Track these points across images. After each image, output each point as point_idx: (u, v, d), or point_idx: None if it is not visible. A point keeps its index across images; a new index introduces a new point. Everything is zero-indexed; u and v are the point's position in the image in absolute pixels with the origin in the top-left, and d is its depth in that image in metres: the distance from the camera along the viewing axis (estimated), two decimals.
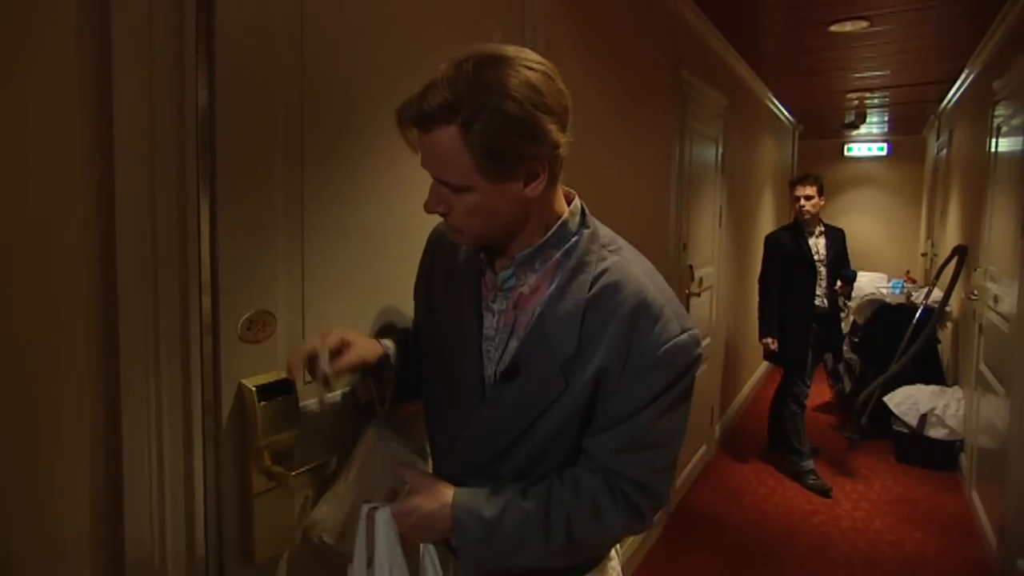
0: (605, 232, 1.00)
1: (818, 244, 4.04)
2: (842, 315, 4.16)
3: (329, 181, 1.16)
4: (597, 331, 0.91)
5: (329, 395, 1.14)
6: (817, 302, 3.99)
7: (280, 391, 1.03)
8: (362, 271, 1.25)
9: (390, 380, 1.10)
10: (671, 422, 0.95)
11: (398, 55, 1.29)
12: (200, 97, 0.92)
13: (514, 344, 0.96)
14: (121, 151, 0.85)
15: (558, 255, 0.96)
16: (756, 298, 4.19)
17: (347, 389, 1.20)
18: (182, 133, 0.91)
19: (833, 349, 4.18)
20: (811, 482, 3.85)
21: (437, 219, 1.02)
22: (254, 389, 1.00)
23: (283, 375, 1.05)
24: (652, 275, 0.97)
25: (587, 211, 1.00)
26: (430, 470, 1.10)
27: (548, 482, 0.96)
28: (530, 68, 0.84)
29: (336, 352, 1.00)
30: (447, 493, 0.94)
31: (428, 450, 1.13)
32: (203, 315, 0.95)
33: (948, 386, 4.34)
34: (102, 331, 0.86)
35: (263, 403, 1.00)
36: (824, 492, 3.78)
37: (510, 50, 0.85)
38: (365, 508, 0.95)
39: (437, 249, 1.11)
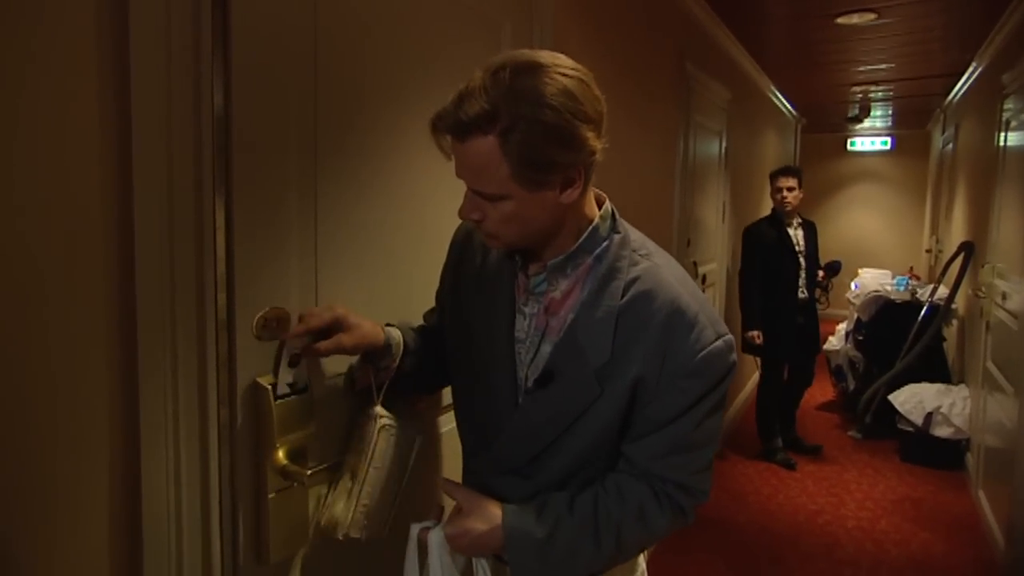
0: (636, 236, 1.02)
1: (797, 235, 4.13)
2: (818, 307, 4.30)
3: (342, 178, 1.17)
4: (631, 339, 0.94)
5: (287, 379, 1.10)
6: (800, 293, 4.08)
7: (294, 389, 1.04)
8: (376, 268, 1.26)
9: (388, 369, 1.11)
10: (710, 426, 0.98)
11: (408, 51, 1.30)
12: (216, 97, 0.93)
13: (546, 349, 0.98)
14: (139, 151, 0.86)
15: (589, 260, 0.98)
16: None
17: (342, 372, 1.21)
18: (199, 132, 0.92)
19: (814, 340, 4.27)
20: (779, 458, 4.20)
21: (449, 215, 1.03)
22: (269, 387, 1.01)
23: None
24: (684, 281, 0.99)
25: (617, 214, 1.02)
26: (444, 449, 1.14)
27: (593, 492, 0.99)
28: (566, 75, 0.85)
29: (324, 333, 1.02)
30: (496, 513, 0.97)
31: (429, 430, 1.17)
32: (219, 312, 0.97)
33: (954, 384, 4.38)
34: (120, 328, 0.87)
35: (279, 401, 1.02)
36: (790, 466, 4.12)
37: (545, 56, 0.86)
38: (415, 529, 0.99)
39: (465, 249, 1.13)
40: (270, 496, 1.05)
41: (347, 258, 1.19)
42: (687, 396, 0.94)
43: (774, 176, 4.14)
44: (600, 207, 1.00)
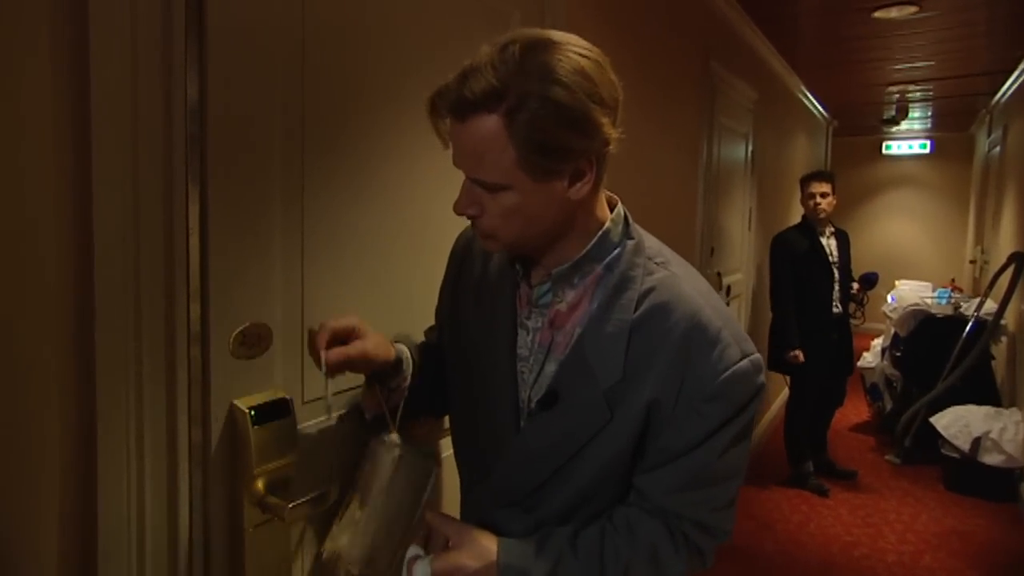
0: (651, 243, 0.96)
1: (830, 245, 4.04)
2: (853, 322, 4.20)
3: (333, 180, 1.12)
4: (645, 358, 0.88)
5: (334, 412, 1.10)
6: (834, 308, 4.00)
7: (277, 413, 1.00)
8: (370, 281, 1.21)
9: (400, 389, 1.05)
10: (733, 458, 0.91)
11: (409, 46, 1.26)
12: (190, 88, 0.89)
13: (551, 367, 0.93)
14: (100, 145, 0.82)
15: (599, 268, 0.92)
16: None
17: (344, 411, 1.16)
18: (169, 126, 0.88)
19: (848, 357, 4.17)
20: (810, 483, 4.09)
21: (452, 221, 0.98)
22: (247, 411, 0.96)
23: (280, 395, 1.02)
24: (707, 294, 0.92)
25: (631, 219, 0.96)
26: (444, 479, 1.09)
27: (599, 528, 0.92)
28: (581, 55, 0.80)
29: (340, 340, 0.95)
30: (491, 549, 0.91)
31: (439, 458, 1.13)
32: (191, 327, 0.92)
33: (1004, 407, 4.26)
34: (75, 345, 0.83)
35: (257, 427, 0.97)
36: (822, 492, 4.02)
37: (558, 35, 0.81)
38: (410, 552, 0.93)
39: (464, 261, 1.08)
40: (247, 531, 0.99)
41: (337, 269, 1.14)
42: (708, 422, 0.87)
43: (806, 181, 4.06)
44: (612, 210, 0.95)
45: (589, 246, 0.91)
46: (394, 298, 1.27)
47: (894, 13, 3.55)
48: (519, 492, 0.96)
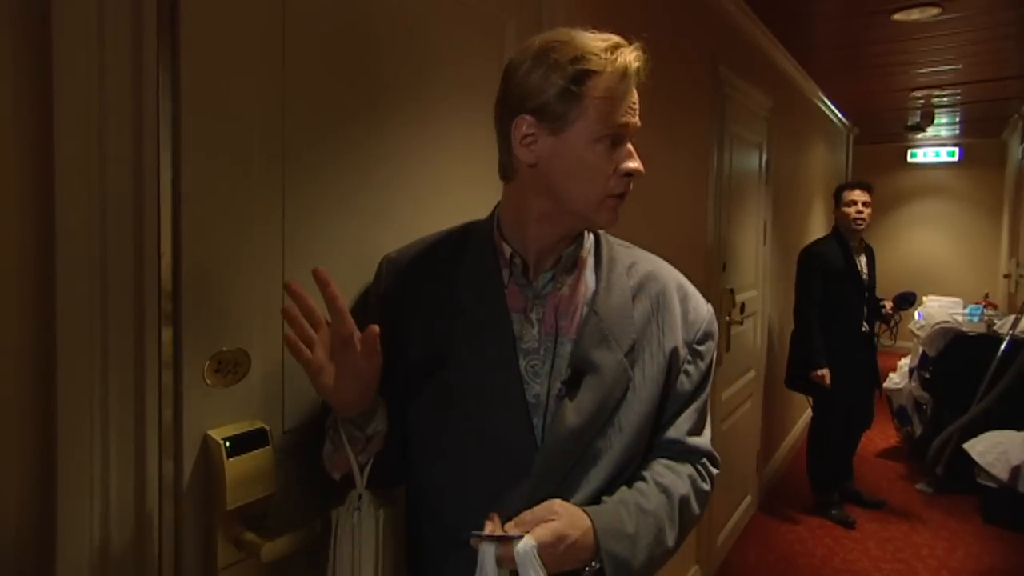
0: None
1: (861, 262, 4.06)
2: (882, 342, 4.24)
3: (312, 200, 1.13)
4: (650, 318, 1.07)
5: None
6: (862, 327, 4.01)
7: (253, 444, 0.99)
8: (352, 302, 1.21)
9: (378, 437, 1.01)
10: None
11: (397, 50, 1.27)
12: (162, 104, 0.90)
13: (566, 349, 1.03)
14: (63, 151, 0.83)
15: (582, 252, 1.08)
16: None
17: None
18: (139, 135, 0.89)
19: (875, 375, 4.17)
20: (836, 514, 4.07)
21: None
22: (222, 442, 0.96)
23: (258, 424, 1.01)
24: (667, 262, 1.18)
25: None
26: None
27: (652, 480, 1.06)
28: None
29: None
30: (583, 516, 0.96)
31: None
32: (162, 352, 0.92)
33: None
34: (34, 369, 0.83)
35: (233, 459, 0.96)
36: (848, 524, 3.99)
37: None
38: (489, 547, 0.88)
39: (412, 281, 1.09)
40: (221, 572, 0.99)
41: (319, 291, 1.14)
42: (706, 360, 1.12)
43: (845, 190, 4.04)
44: None
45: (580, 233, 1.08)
46: None
47: (915, 15, 3.56)
48: (558, 478, 1.01)
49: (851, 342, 3.95)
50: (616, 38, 1.02)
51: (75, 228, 0.84)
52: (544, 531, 0.90)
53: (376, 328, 0.90)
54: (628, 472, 1.06)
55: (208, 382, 0.97)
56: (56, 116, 0.82)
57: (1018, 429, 4.14)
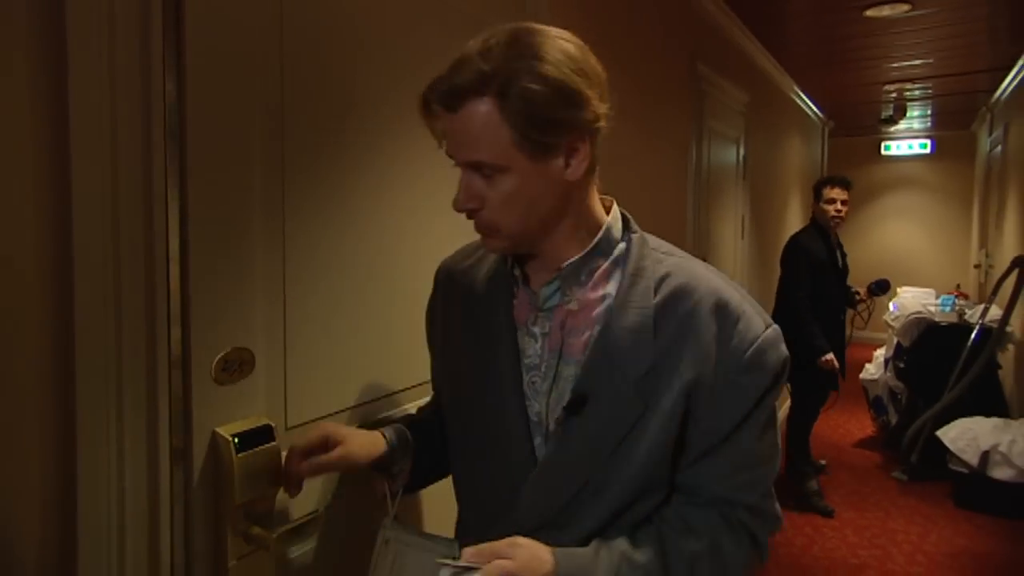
0: (653, 238, 1.03)
1: (837, 253, 4.20)
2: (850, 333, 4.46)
3: (313, 200, 1.17)
4: (675, 341, 0.93)
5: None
6: (840, 316, 4.20)
7: (260, 440, 1.04)
8: (351, 302, 1.26)
9: (403, 474, 1.09)
10: (771, 437, 0.99)
11: (390, 56, 1.31)
12: (168, 87, 0.94)
13: (569, 370, 0.96)
14: (79, 162, 0.87)
15: (606, 264, 0.98)
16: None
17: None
18: (148, 150, 0.93)
19: (843, 365, 4.29)
20: (817, 503, 4.19)
21: (438, 241, 1.03)
22: (231, 439, 1.00)
23: (263, 421, 1.06)
24: (718, 273, 1.01)
25: (630, 217, 1.03)
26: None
27: (655, 529, 0.95)
28: (562, 38, 0.89)
29: (320, 449, 1.00)
30: (545, 559, 0.88)
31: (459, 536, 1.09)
32: (172, 352, 0.96)
33: (1013, 419, 4.36)
34: (54, 372, 0.87)
35: (241, 455, 1.01)
36: (828, 513, 4.12)
37: (538, 24, 0.90)
38: (445, 572, 0.87)
39: (448, 288, 1.11)
40: (231, 564, 1.03)
41: (319, 291, 1.19)
42: (747, 396, 0.94)
43: (825, 186, 4.13)
44: (609, 211, 1.02)
45: (596, 239, 0.97)
46: (377, 319, 1.31)
47: (887, 11, 3.68)
48: (549, 511, 0.96)
49: (834, 331, 4.08)
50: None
51: (90, 235, 0.88)
52: (493, 569, 0.86)
53: (305, 467, 0.99)
54: (637, 513, 0.96)
55: (216, 381, 1.02)
56: (71, 124, 0.86)
57: (988, 415, 4.28)
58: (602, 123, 0.90)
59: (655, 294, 0.95)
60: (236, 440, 1.01)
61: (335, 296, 1.22)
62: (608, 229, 0.99)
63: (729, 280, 1.00)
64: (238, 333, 1.05)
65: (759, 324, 0.95)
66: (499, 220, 0.92)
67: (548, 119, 0.86)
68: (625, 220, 1.02)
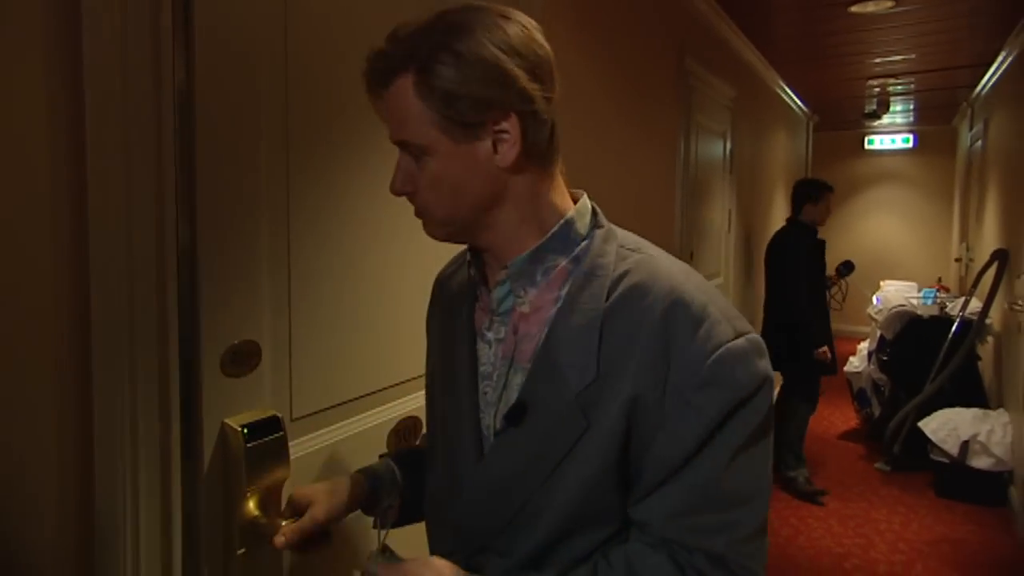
0: (626, 234, 0.93)
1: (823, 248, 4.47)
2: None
3: (317, 197, 1.21)
4: (622, 348, 0.81)
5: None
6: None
7: (268, 431, 1.07)
8: (354, 296, 1.29)
9: (392, 509, 1.04)
10: (747, 469, 0.80)
11: None
12: (177, 118, 0.97)
13: (517, 379, 0.88)
14: (95, 161, 0.90)
15: (565, 262, 0.88)
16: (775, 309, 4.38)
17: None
18: (159, 144, 0.95)
19: None
20: (811, 489, 4.32)
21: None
22: (240, 429, 1.04)
23: (271, 412, 1.09)
24: (688, 271, 0.88)
25: (600, 211, 0.93)
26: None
27: (591, 567, 0.83)
28: (503, 16, 0.83)
29: (295, 515, 0.98)
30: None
31: None
32: (183, 345, 0.99)
33: (992, 409, 4.47)
34: (71, 365, 0.89)
35: (250, 445, 1.04)
36: (818, 500, 4.25)
37: (482, 3, 0.84)
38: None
39: (438, 296, 1.07)
40: (239, 552, 1.06)
41: (323, 284, 1.22)
42: (703, 417, 0.78)
43: (827, 191, 4.37)
44: (577, 204, 0.92)
45: (549, 234, 0.88)
46: (378, 313, 1.35)
47: (871, 7, 3.75)
48: (489, 532, 0.88)
49: (825, 322, 4.32)
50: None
51: (104, 232, 0.91)
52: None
53: (289, 536, 0.96)
54: (579, 542, 0.84)
55: (224, 372, 1.04)
56: (87, 124, 0.89)
57: (968, 406, 4.38)
58: (537, 106, 0.82)
59: (608, 295, 0.84)
60: (245, 430, 1.04)
61: (338, 291, 1.26)
62: (568, 223, 0.88)
63: (703, 281, 0.87)
64: (245, 325, 1.08)
65: (725, 332, 0.80)
66: (429, 205, 0.87)
67: (464, 97, 0.80)
68: (594, 213, 0.92)
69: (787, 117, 6.60)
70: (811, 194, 4.34)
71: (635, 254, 0.88)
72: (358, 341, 1.30)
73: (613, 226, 0.92)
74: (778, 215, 6.23)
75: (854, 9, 3.78)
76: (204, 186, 1.01)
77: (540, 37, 0.85)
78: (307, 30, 1.18)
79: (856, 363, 5.75)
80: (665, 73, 3.22)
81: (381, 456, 1.11)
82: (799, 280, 4.18)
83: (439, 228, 0.90)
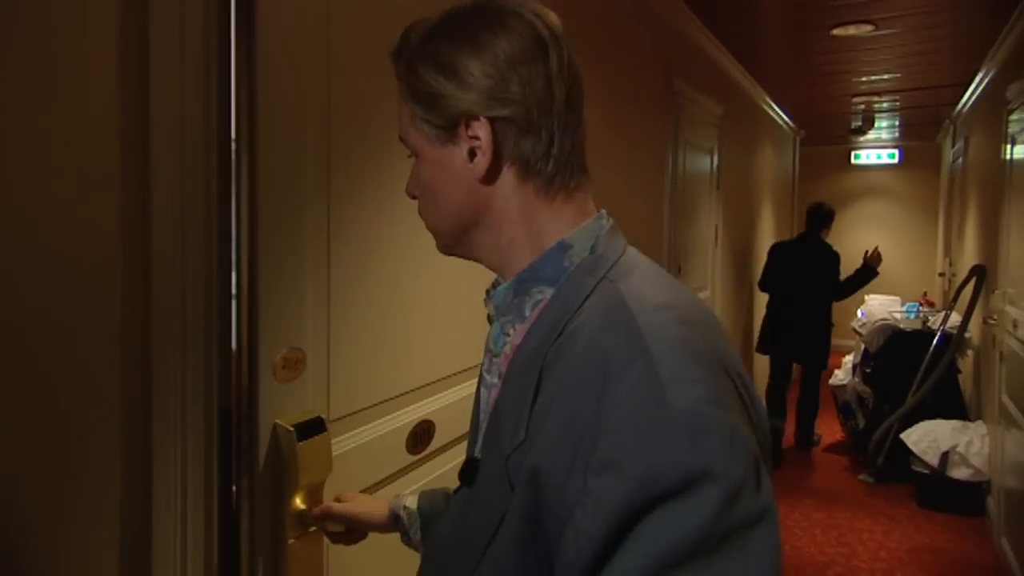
0: (632, 260, 0.80)
1: None
2: None
3: (354, 206, 1.37)
4: (545, 408, 0.67)
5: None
6: None
7: (313, 431, 1.24)
8: (383, 306, 1.46)
9: (415, 541, 1.10)
10: None
11: None
12: (241, 123, 1.13)
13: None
14: (157, 178, 1.03)
15: (552, 294, 0.77)
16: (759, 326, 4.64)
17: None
18: (228, 165, 1.12)
19: None
20: (816, 440, 5.76)
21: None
22: (292, 429, 1.20)
23: (316, 414, 1.26)
24: (662, 308, 0.70)
25: (609, 233, 0.81)
26: None
27: None
28: (509, 12, 0.77)
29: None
30: None
31: None
32: (240, 351, 1.15)
33: (971, 421, 4.70)
34: (132, 374, 1.04)
35: (302, 443, 1.20)
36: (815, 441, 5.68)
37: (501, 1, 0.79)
38: None
39: None
40: (289, 542, 1.22)
41: (358, 292, 1.39)
42: (600, 512, 0.59)
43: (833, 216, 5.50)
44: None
45: (532, 262, 0.78)
46: (404, 320, 1.52)
47: (852, 31, 3.99)
48: None
49: None
50: None
51: (166, 248, 1.06)
52: None
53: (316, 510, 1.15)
54: None
55: (276, 378, 1.22)
56: (152, 136, 1.04)
57: (949, 418, 4.62)
58: (511, 112, 0.75)
59: (559, 335, 0.71)
60: (296, 430, 1.21)
61: (369, 300, 1.43)
62: (561, 248, 0.78)
63: (682, 316, 0.70)
64: (294, 333, 1.25)
65: (652, 395, 0.60)
66: (422, 211, 0.86)
67: (435, 97, 0.76)
68: (604, 234, 0.80)
69: (774, 132, 6.85)
70: (829, 220, 5.45)
71: (611, 284, 0.73)
72: (388, 347, 1.48)
73: (619, 250, 0.80)
74: (765, 229, 6.46)
75: (836, 32, 4.02)
76: (265, 201, 1.17)
77: (517, 35, 0.76)
78: (349, 32, 1.34)
79: (841, 376, 5.98)
80: (654, 92, 3.43)
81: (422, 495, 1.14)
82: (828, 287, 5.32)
83: (435, 238, 0.87)
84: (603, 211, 0.84)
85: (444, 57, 0.76)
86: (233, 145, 1.14)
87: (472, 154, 0.78)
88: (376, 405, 1.47)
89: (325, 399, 1.33)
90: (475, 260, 0.86)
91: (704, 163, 4.39)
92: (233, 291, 1.15)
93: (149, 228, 1.04)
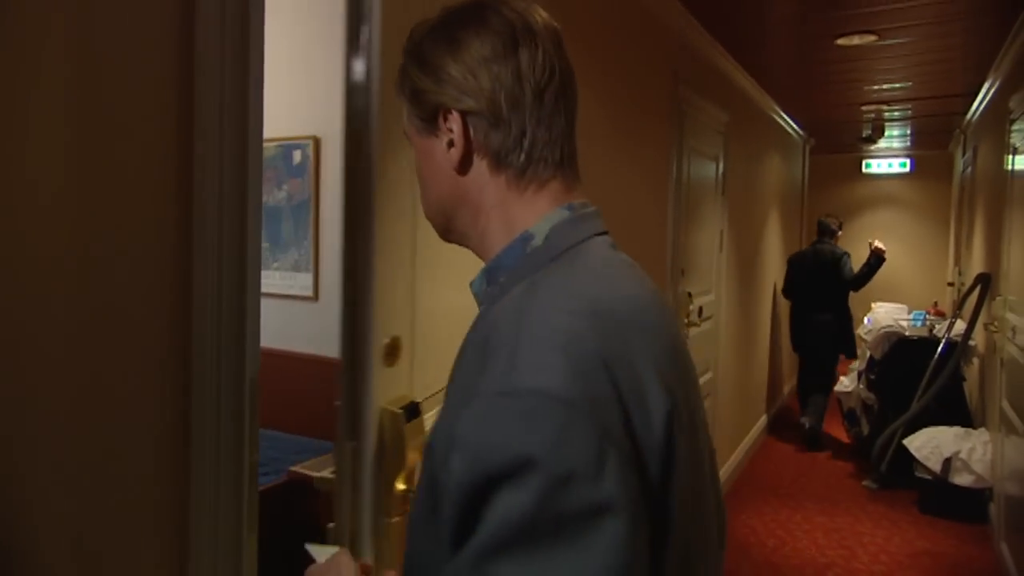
0: (585, 249, 0.85)
1: None
2: None
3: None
4: (451, 388, 0.82)
5: None
6: None
7: (413, 414, 1.53)
8: (459, 300, 1.65)
9: None
10: None
11: None
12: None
13: None
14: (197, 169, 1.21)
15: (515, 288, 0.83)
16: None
17: None
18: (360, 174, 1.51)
19: None
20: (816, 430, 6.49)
21: None
22: (401, 412, 1.49)
23: (413, 398, 1.57)
24: (589, 299, 0.76)
25: (567, 222, 0.85)
26: None
27: None
28: (492, 9, 0.85)
29: None
30: None
31: None
32: (356, 340, 1.47)
33: (975, 428, 5.03)
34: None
35: (409, 424, 1.48)
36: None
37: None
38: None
39: None
40: (393, 520, 1.42)
41: (435, 283, 1.61)
42: (448, 490, 0.67)
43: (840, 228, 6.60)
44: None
45: (496, 255, 0.87)
46: (469, 309, 1.83)
47: (856, 40, 4.30)
48: None
49: None
50: None
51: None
52: None
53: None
54: None
55: (384, 364, 1.53)
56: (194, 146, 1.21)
57: (953, 425, 4.97)
58: (480, 106, 0.82)
59: (479, 322, 0.84)
60: (403, 413, 1.50)
61: (442, 290, 1.66)
62: (522, 239, 0.85)
63: (556, 310, 0.74)
64: (397, 323, 1.53)
65: (504, 377, 0.68)
66: (421, 200, 0.96)
67: (412, 88, 0.88)
68: (565, 223, 0.85)
69: (782, 140, 7.17)
70: (839, 227, 6.56)
71: (540, 274, 0.81)
72: (453, 336, 1.79)
73: (595, 242, 0.86)
74: (772, 236, 6.84)
75: (840, 42, 4.33)
76: (381, 199, 1.46)
77: (494, 35, 0.83)
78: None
79: (847, 383, 6.35)
80: (659, 99, 3.70)
81: None
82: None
83: (433, 226, 0.97)
84: (576, 203, 0.88)
85: (427, 55, 0.86)
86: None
87: (450, 145, 0.86)
88: (442, 391, 1.78)
89: (410, 384, 1.62)
90: (466, 247, 0.95)
91: (709, 169, 4.69)
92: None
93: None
